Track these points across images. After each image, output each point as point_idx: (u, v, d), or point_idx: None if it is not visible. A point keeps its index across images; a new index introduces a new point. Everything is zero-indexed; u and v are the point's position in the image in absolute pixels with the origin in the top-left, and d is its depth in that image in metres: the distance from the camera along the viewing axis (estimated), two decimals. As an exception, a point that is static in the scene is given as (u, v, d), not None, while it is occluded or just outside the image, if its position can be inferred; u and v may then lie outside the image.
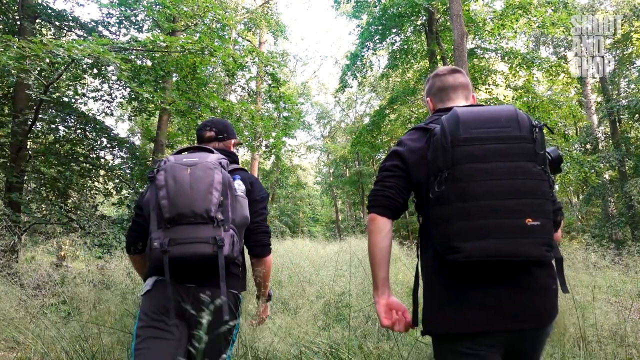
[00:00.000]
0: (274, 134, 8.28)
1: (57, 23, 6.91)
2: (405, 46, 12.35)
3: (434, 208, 1.09)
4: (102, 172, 7.62)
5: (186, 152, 1.49)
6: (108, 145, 7.47)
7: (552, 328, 1.17)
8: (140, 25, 7.49)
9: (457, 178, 1.03)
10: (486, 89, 11.60)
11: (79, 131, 7.17)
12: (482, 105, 1.23)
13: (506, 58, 10.90)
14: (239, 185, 1.50)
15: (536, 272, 1.07)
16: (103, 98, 7.55)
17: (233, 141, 1.73)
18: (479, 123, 1.06)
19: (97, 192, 7.31)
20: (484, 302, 1.04)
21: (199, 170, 1.34)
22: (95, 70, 6.85)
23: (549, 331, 1.14)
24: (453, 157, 1.04)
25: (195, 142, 1.80)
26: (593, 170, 8.99)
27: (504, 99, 11.75)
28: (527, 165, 1.02)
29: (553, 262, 1.12)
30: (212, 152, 1.48)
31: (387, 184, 1.23)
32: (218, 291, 1.32)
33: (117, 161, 8.10)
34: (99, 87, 7.45)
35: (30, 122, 5.82)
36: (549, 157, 1.28)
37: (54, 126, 7.07)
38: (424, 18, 11.31)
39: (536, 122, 1.07)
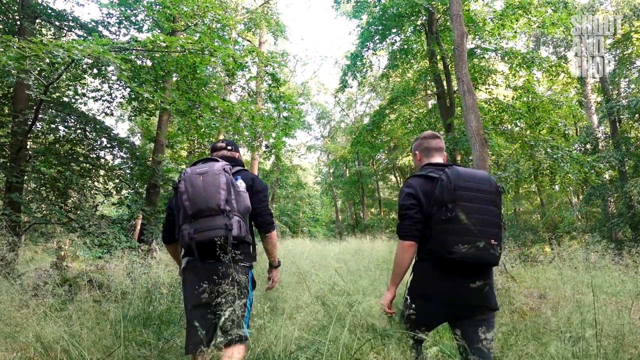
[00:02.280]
0: (274, 134, 8.27)
1: (57, 23, 6.90)
2: (405, 46, 12.33)
3: (439, 226, 1.69)
4: (102, 172, 7.61)
5: (199, 163, 1.98)
6: (108, 145, 7.46)
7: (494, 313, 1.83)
8: (140, 25, 7.49)
9: (455, 209, 1.66)
10: (486, 89, 11.59)
11: (79, 131, 7.17)
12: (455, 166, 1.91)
13: (506, 58, 10.89)
14: (240, 184, 1.98)
15: (490, 271, 1.78)
16: (103, 98, 7.55)
17: (237, 155, 2.24)
18: (470, 178, 1.72)
19: (97, 192, 7.30)
20: (457, 286, 1.69)
21: (209, 176, 1.84)
22: (95, 70, 6.84)
23: (493, 314, 1.81)
24: (454, 196, 1.67)
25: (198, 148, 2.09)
26: (593, 171, 8.97)
27: (504, 99, 11.74)
28: (492, 208, 1.71)
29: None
30: (217, 161, 1.96)
31: (415, 219, 1.77)
32: (230, 265, 1.79)
33: (117, 161, 8.10)
34: (99, 87, 7.45)
35: (30, 122, 5.82)
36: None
37: (54, 126, 7.06)
38: (424, 18, 11.30)
39: (499, 184, 1.80)
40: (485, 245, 1.62)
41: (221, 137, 14.54)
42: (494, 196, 1.73)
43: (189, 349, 1.82)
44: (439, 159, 1.97)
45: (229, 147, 2.22)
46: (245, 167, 2.19)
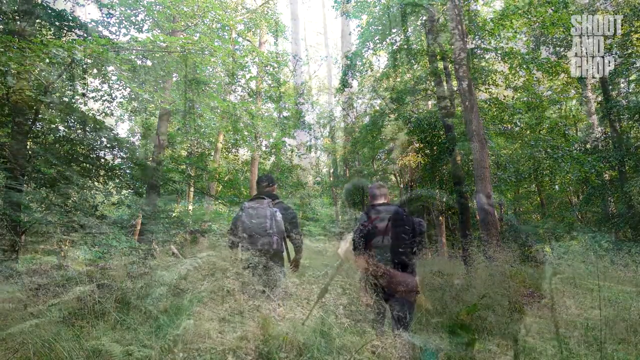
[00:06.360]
0: (274, 134, 8.27)
1: (57, 23, 6.90)
2: (405, 46, 12.33)
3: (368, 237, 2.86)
4: (102, 172, 7.61)
5: (254, 200, 3.15)
6: (108, 145, 7.46)
7: (415, 295, 2.74)
8: (140, 25, 7.49)
9: (372, 227, 2.80)
10: (486, 89, 11.59)
11: (79, 131, 7.16)
12: (389, 204, 3.00)
13: (506, 58, 10.87)
14: (279, 214, 3.06)
15: (405, 270, 2.71)
16: (103, 98, 7.55)
17: (274, 188, 3.36)
18: (380, 211, 2.86)
19: (97, 192, 7.30)
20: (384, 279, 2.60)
21: (260, 210, 3.01)
22: (95, 70, 6.85)
23: (413, 296, 2.73)
24: (371, 222, 2.82)
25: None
26: (593, 170, 8.96)
27: (504, 99, 11.73)
28: (403, 228, 2.75)
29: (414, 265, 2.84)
30: (264, 199, 3.12)
31: (359, 238, 2.82)
32: (272, 263, 2.86)
33: (117, 161, 8.09)
34: (99, 87, 7.45)
35: (30, 122, 5.81)
36: (420, 228, 3.07)
37: (54, 126, 7.06)
38: (424, 18, 11.30)
39: (405, 213, 2.83)
40: (395, 250, 2.68)
41: (221, 137, 14.54)
42: (403, 219, 2.78)
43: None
44: (381, 200, 3.05)
45: (269, 184, 3.33)
46: (282, 201, 3.29)
